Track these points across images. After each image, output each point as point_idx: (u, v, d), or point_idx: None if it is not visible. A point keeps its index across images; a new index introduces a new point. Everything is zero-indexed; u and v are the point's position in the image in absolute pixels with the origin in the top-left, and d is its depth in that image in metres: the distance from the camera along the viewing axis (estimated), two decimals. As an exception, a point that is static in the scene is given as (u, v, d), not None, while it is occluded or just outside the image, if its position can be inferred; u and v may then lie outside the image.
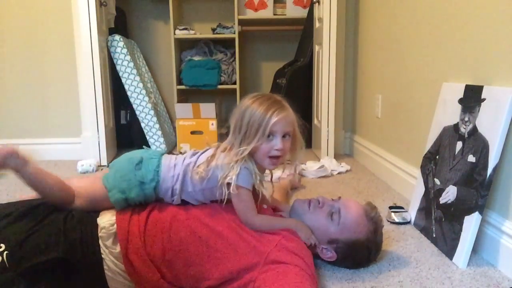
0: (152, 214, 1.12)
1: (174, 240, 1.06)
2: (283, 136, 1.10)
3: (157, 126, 2.84)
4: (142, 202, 1.16)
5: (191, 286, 1.07)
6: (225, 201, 1.11)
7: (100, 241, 1.05)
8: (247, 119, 1.08)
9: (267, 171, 1.23)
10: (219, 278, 1.03)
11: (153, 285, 1.05)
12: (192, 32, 3.17)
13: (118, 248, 1.06)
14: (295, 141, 1.16)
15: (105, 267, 1.04)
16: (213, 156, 1.14)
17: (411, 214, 1.60)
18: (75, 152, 2.71)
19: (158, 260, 1.05)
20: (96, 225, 1.08)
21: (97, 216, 1.11)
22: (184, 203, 1.18)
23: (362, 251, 1.18)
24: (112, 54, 2.76)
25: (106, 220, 1.10)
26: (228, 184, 1.09)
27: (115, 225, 1.09)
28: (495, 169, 1.20)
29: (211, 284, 1.04)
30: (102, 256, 1.04)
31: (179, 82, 3.22)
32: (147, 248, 1.06)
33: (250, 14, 3.26)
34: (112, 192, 1.13)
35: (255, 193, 1.15)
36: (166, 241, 1.06)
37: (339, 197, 1.25)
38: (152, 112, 2.84)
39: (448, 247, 1.31)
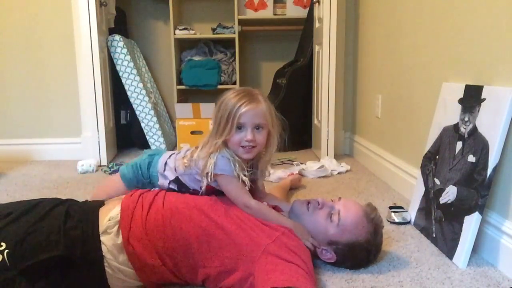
0: (155, 204, 1.14)
1: (175, 229, 1.08)
2: (257, 128, 1.14)
3: (157, 126, 2.84)
4: (141, 169, 1.31)
5: (190, 274, 1.08)
6: (202, 190, 1.18)
7: (101, 237, 1.06)
8: (221, 111, 1.15)
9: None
10: (216, 266, 1.05)
11: (154, 271, 1.07)
12: (192, 32, 3.17)
13: (120, 239, 1.06)
14: (269, 136, 1.19)
15: (105, 264, 1.04)
16: (196, 148, 1.20)
17: (411, 214, 1.60)
18: (75, 152, 2.71)
19: (159, 248, 1.07)
20: (97, 222, 1.08)
21: (98, 214, 1.11)
22: (182, 190, 1.24)
23: (361, 253, 1.18)
24: (112, 54, 2.77)
25: (114, 208, 1.13)
26: (208, 175, 1.14)
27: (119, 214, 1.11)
28: (495, 169, 1.20)
29: (209, 272, 1.05)
30: (103, 253, 1.04)
31: (179, 82, 3.22)
32: (149, 236, 1.07)
33: (250, 14, 3.26)
34: (122, 167, 1.36)
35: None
36: (167, 230, 1.08)
37: (339, 198, 1.24)
38: (152, 112, 2.84)
39: (448, 247, 1.31)
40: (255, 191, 1.29)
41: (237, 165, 1.14)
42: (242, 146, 1.14)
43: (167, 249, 1.07)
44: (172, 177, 1.25)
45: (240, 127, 1.13)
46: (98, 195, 1.35)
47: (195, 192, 1.22)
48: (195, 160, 1.18)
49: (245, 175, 1.15)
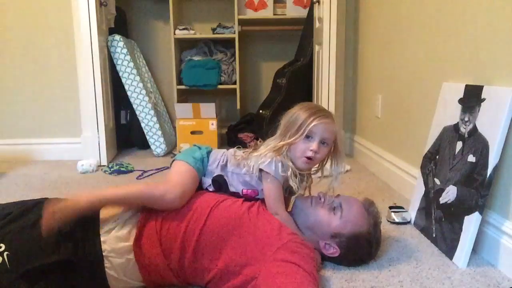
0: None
1: (190, 226, 1.08)
2: (322, 143, 1.20)
3: (157, 126, 2.84)
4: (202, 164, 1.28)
5: (194, 276, 1.08)
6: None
7: (103, 237, 1.05)
8: (293, 118, 1.22)
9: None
10: (220, 268, 1.05)
11: (158, 271, 1.07)
12: (192, 32, 3.17)
13: (124, 238, 1.06)
14: (336, 154, 1.27)
15: (106, 264, 1.04)
16: (254, 148, 1.26)
17: (411, 214, 1.60)
18: (75, 152, 2.71)
19: (167, 246, 1.07)
20: (98, 222, 1.08)
21: (98, 214, 1.11)
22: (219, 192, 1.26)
23: (364, 245, 1.19)
24: (112, 54, 2.76)
25: (118, 209, 1.13)
26: (260, 171, 1.19)
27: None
28: (495, 169, 1.20)
29: (213, 274, 1.05)
30: (105, 253, 1.04)
31: (179, 82, 3.22)
32: (162, 232, 1.07)
33: (250, 14, 3.25)
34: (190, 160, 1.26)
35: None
36: (182, 227, 1.08)
37: (338, 195, 1.26)
38: (152, 112, 2.84)
39: (448, 247, 1.31)
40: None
41: (290, 171, 1.19)
42: (305, 156, 1.19)
43: (176, 247, 1.06)
44: (216, 173, 1.26)
45: (308, 136, 1.19)
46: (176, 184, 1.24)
47: (233, 195, 1.23)
48: (249, 159, 1.22)
49: (295, 182, 1.20)
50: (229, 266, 1.04)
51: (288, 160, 1.21)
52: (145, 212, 1.11)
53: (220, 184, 1.26)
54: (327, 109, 2.50)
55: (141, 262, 1.06)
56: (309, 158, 1.20)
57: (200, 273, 1.07)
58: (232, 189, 1.26)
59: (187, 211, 1.11)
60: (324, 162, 1.30)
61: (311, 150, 1.19)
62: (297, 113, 1.22)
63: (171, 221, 1.09)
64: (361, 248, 1.20)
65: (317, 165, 1.30)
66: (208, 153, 1.32)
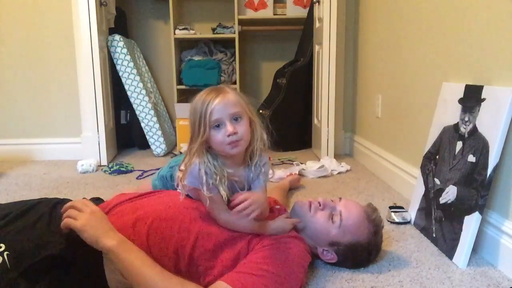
0: (158, 211, 1.13)
1: (183, 239, 1.07)
2: (235, 119, 1.03)
3: (157, 126, 2.84)
4: (167, 180, 1.40)
5: (193, 280, 1.07)
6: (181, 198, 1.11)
7: None
8: (193, 116, 1.05)
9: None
10: (216, 275, 1.04)
11: None
12: (192, 32, 3.17)
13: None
14: (252, 124, 1.08)
15: (105, 265, 1.04)
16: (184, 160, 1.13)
17: (411, 214, 1.60)
18: (75, 152, 2.71)
19: (159, 255, 1.06)
20: None
21: None
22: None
23: (362, 253, 1.19)
24: (112, 54, 2.77)
25: None
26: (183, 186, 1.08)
27: None
28: (495, 169, 1.20)
29: (210, 280, 1.04)
30: (103, 254, 1.04)
31: (179, 82, 3.22)
32: (151, 242, 1.06)
33: (250, 14, 3.25)
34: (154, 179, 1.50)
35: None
36: (173, 236, 1.07)
37: (340, 198, 1.24)
38: (152, 112, 2.84)
39: (448, 247, 1.31)
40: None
41: (214, 171, 1.05)
42: (227, 144, 1.03)
43: (169, 256, 1.06)
44: (184, 193, 1.17)
45: (218, 125, 1.02)
46: None
47: None
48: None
49: (224, 190, 1.06)
50: (224, 273, 1.03)
51: (210, 162, 1.05)
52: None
53: None
54: (326, 108, 2.54)
55: None
56: (234, 141, 1.02)
57: (196, 277, 1.07)
58: None
59: (176, 218, 1.09)
60: (256, 135, 1.10)
61: (228, 135, 1.01)
62: (192, 110, 1.06)
63: (161, 229, 1.07)
64: (359, 256, 1.19)
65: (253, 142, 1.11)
66: (171, 168, 1.36)
